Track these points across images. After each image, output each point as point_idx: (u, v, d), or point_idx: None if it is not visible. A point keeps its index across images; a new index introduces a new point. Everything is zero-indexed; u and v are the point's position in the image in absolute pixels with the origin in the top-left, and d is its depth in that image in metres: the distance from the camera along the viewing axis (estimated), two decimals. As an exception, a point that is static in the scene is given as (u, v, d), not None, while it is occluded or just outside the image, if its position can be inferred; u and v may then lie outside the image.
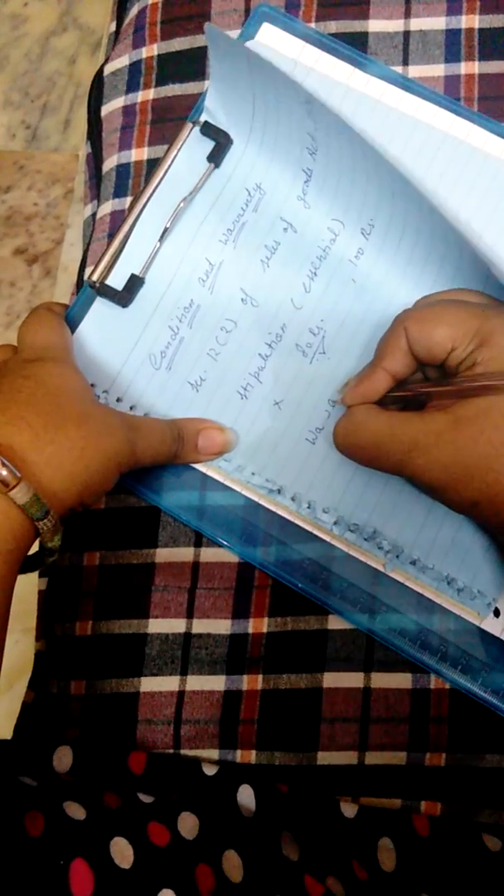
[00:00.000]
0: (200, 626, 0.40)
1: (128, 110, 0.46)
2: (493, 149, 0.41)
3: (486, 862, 0.36)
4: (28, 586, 0.41)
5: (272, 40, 0.43)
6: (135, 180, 0.45)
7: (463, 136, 0.42)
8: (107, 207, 0.46)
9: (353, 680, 0.39)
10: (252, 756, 0.39)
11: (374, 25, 0.44)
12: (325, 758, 0.38)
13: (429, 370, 0.37)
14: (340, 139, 0.38)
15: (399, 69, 0.43)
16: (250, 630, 0.40)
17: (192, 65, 0.45)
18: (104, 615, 0.41)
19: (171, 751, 0.39)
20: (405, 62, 0.43)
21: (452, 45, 0.43)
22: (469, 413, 0.33)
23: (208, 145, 0.42)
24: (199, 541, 0.41)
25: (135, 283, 0.41)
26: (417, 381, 0.37)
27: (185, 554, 0.41)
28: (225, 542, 0.40)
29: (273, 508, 0.40)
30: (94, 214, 0.48)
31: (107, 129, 0.47)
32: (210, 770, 0.38)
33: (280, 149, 0.41)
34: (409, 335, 0.35)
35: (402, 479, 0.39)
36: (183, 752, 0.39)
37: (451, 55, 0.43)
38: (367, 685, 0.39)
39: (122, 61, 0.47)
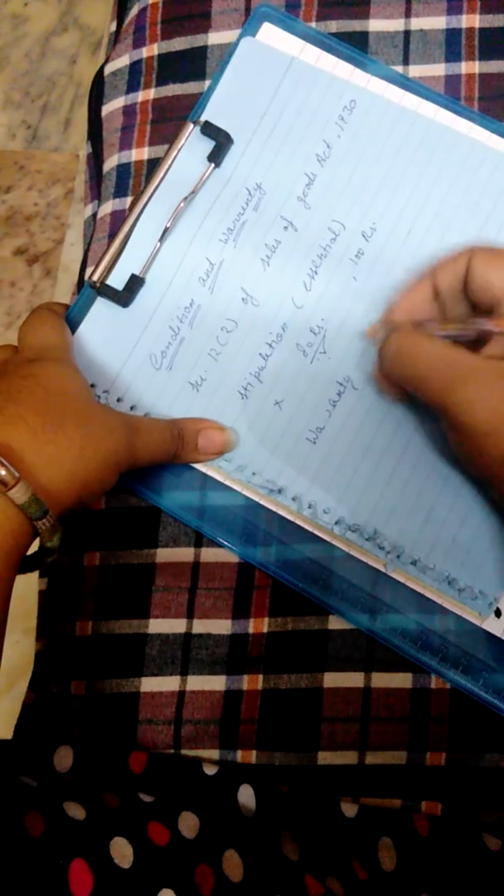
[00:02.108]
0: (201, 626, 0.40)
1: (128, 110, 0.46)
2: (493, 148, 0.41)
3: (487, 862, 0.36)
4: (28, 586, 0.41)
5: (272, 40, 0.43)
6: (135, 180, 0.45)
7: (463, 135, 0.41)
8: (107, 207, 0.46)
9: (354, 680, 0.39)
10: (252, 756, 0.39)
11: (375, 25, 0.44)
12: (325, 758, 0.38)
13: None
14: (372, 140, 0.37)
15: (399, 69, 0.43)
16: (250, 630, 0.40)
17: (192, 65, 0.45)
18: (104, 615, 0.41)
19: (172, 751, 0.39)
20: (405, 62, 0.43)
21: (453, 44, 0.43)
22: None
23: (208, 145, 0.42)
24: (199, 541, 0.41)
25: (135, 283, 0.41)
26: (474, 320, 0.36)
27: (185, 554, 0.41)
28: (225, 542, 0.40)
29: (273, 508, 0.40)
30: (94, 214, 0.48)
31: (107, 129, 0.47)
32: (210, 770, 0.38)
33: (285, 152, 0.41)
34: (472, 264, 0.33)
35: (403, 480, 0.39)
36: (183, 752, 0.39)
37: (452, 55, 0.43)
38: (368, 685, 0.39)
39: (122, 61, 0.47)
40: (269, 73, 0.42)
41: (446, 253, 0.35)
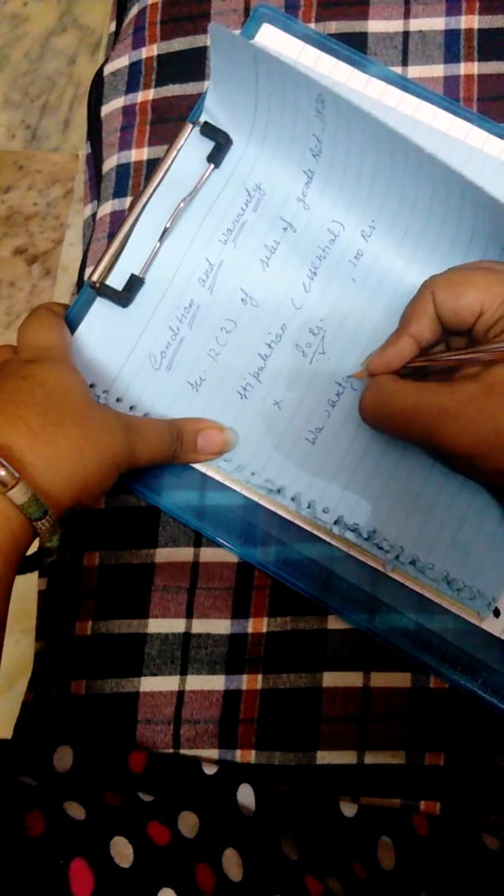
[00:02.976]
0: (200, 625, 0.40)
1: (128, 110, 0.46)
2: (493, 149, 0.41)
3: (486, 861, 0.36)
4: (28, 586, 0.41)
5: (272, 41, 0.43)
6: (135, 180, 0.45)
7: (462, 137, 0.42)
8: (107, 207, 0.46)
9: (353, 680, 0.39)
10: (252, 756, 0.39)
11: (374, 26, 0.44)
12: (324, 757, 0.38)
13: (453, 341, 0.37)
14: (350, 134, 0.37)
15: (398, 70, 0.43)
16: (250, 630, 0.40)
17: (192, 65, 0.45)
18: (104, 615, 0.41)
19: (171, 750, 0.39)
20: (404, 63, 0.43)
21: (452, 45, 0.43)
22: (499, 379, 0.32)
23: (208, 145, 0.42)
24: (198, 541, 0.41)
25: (135, 283, 0.41)
26: (440, 352, 0.36)
27: (184, 554, 0.41)
28: (225, 542, 0.40)
29: (273, 508, 0.40)
30: (94, 214, 0.48)
31: (107, 130, 0.47)
32: (210, 769, 0.38)
33: (281, 149, 0.41)
34: (436, 299, 0.34)
35: (402, 480, 0.39)
36: (183, 751, 0.39)
37: (451, 56, 0.43)
38: (367, 685, 0.39)
39: (122, 61, 0.47)
40: (245, 63, 0.41)
41: (409, 301, 0.36)
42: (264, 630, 0.40)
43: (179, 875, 0.31)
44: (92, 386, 0.41)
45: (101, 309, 0.42)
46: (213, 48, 0.39)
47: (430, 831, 0.37)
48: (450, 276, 0.35)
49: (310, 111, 0.38)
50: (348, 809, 0.37)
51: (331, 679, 0.39)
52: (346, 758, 0.38)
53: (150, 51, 0.46)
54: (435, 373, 0.36)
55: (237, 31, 0.44)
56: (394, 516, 0.39)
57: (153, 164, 0.44)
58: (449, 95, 0.43)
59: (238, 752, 0.39)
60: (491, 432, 0.32)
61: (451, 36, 0.43)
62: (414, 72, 0.43)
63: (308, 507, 0.39)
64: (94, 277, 0.41)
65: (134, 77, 0.46)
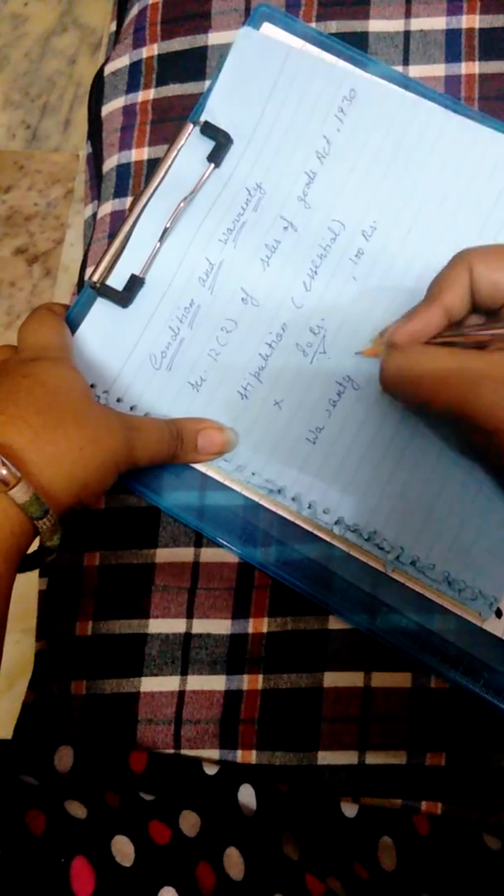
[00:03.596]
0: (200, 626, 0.40)
1: (128, 110, 0.46)
2: (493, 149, 0.41)
3: (487, 861, 0.36)
4: (28, 586, 0.41)
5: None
6: (135, 180, 0.45)
7: (463, 136, 0.41)
8: (107, 207, 0.46)
9: (354, 680, 0.39)
10: (252, 756, 0.39)
11: (375, 25, 0.44)
12: (325, 757, 0.38)
13: (470, 320, 0.35)
14: (370, 135, 0.37)
15: (399, 69, 0.43)
16: (250, 630, 0.40)
17: (192, 65, 0.45)
18: (104, 615, 0.41)
19: (172, 751, 0.39)
20: (405, 62, 0.43)
21: (453, 45, 0.43)
22: None
23: (208, 145, 0.42)
24: (199, 541, 0.41)
25: (135, 283, 0.41)
26: (470, 326, 0.35)
27: (185, 554, 0.41)
28: (225, 542, 0.40)
29: (273, 508, 0.40)
30: (94, 215, 0.48)
31: (107, 129, 0.47)
32: (211, 770, 0.38)
33: (285, 150, 0.41)
34: (474, 271, 0.33)
35: (403, 481, 0.39)
36: (183, 751, 0.39)
37: (452, 55, 0.43)
38: (368, 685, 0.39)
39: (122, 61, 0.47)
40: (268, 64, 0.41)
41: (441, 269, 0.34)
42: (265, 630, 0.40)
43: (180, 874, 0.31)
44: (92, 386, 0.41)
45: (101, 309, 0.42)
46: (236, 50, 0.39)
47: (432, 831, 0.37)
48: (490, 248, 0.33)
49: (330, 109, 0.38)
50: (349, 809, 0.37)
51: (331, 679, 0.39)
52: (346, 758, 0.38)
53: (151, 50, 0.46)
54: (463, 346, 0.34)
55: (237, 31, 0.44)
56: (395, 517, 0.39)
57: (153, 164, 0.44)
58: (450, 95, 0.43)
59: (239, 753, 0.39)
60: None
61: (453, 35, 0.43)
62: (415, 71, 0.43)
63: (309, 507, 0.39)
64: (95, 277, 0.41)
65: (134, 77, 0.46)
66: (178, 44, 0.46)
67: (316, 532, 0.39)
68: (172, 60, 0.46)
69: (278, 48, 0.41)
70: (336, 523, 0.39)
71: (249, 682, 0.39)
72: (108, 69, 0.48)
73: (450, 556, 0.38)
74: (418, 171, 0.41)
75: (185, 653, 0.40)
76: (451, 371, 0.32)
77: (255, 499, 0.40)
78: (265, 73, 0.41)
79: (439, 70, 0.43)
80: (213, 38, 0.45)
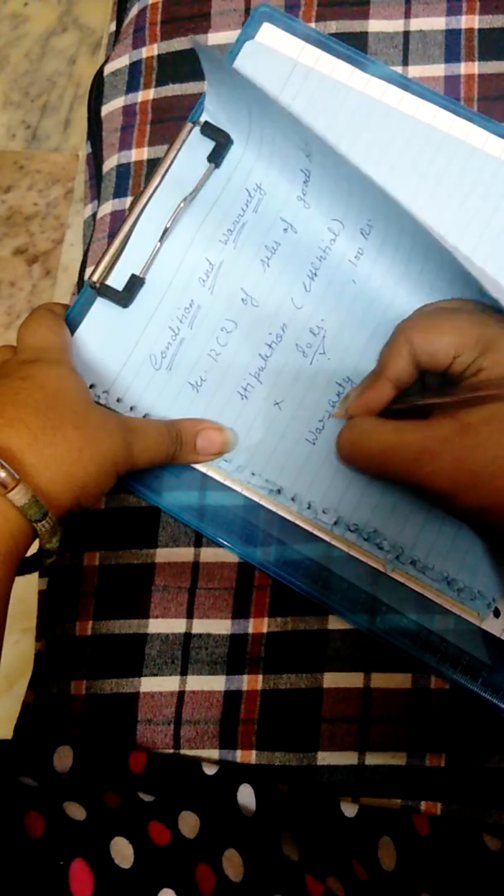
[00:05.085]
0: (200, 626, 0.40)
1: (128, 110, 0.46)
2: (493, 149, 0.41)
3: (487, 862, 0.36)
4: (28, 586, 0.41)
5: (272, 40, 0.43)
6: (135, 180, 0.45)
7: (462, 137, 0.42)
8: (107, 207, 0.46)
9: (354, 680, 0.39)
10: (252, 756, 0.39)
11: (374, 25, 0.44)
12: (325, 758, 0.38)
13: (428, 377, 0.37)
14: (334, 157, 0.38)
15: (399, 69, 0.43)
16: (250, 630, 0.40)
17: (192, 65, 0.45)
18: (104, 615, 0.41)
19: (172, 751, 0.39)
20: (405, 62, 0.43)
21: (452, 45, 0.43)
22: (475, 419, 0.33)
23: (208, 145, 0.42)
24: (199, 541, 0.41)
25: (135, 283, 0.41)
26: (417, 394, 0.37)
27: (185, 554, 0.41)
28: (225, 542, 0.40)
29: (273, 508, 0.40)
30: (94, 214, 0.48)
31: (107, 129, 0.47)
32: (210, 770, 0.38)
33: (278, 149, 0.41)
34: (413, 344, 0.35)
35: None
36: (183, 752, 0.39)
37: (451, 55, 0.43)
38: (368, 685, 0.39)
39: (122, 61, 0.47)
40: (272, 78, 0.42)
41: (385, 345, 0.37)
42: (265, 630, 0.40)
43: (180, 875, 0.31)
44: (92, 386, 0.41)
45: (101, 309, 0.42)
46: (241, 61, 0.39)
47: (431, 832, 0.37)
48: (425, 320, 0.36)
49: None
50: (349, 810, 0.37)
51: (331, 679, 0.39)
52: (346, 758, 0.38)
53: (151, 50, 0.46)
54: (412, 412, 0.37)
55: (237, 31, 0.44)
56: (394, 517, 0.39)
57: (153, 164, 0.44)
58: (449, 95, 0.43)
59: (238, 753, 0.39)
60: (466, 472, 0.33)
61: (452, 35, 0.43)
62: (414, 71, 0.43)
63: (308, 507, 0.39)
64: (95, 278, 0.41)
65: (134, 77, 0.46)
66: (178, 44, 0.46)
67: (316, 532, 0.39)
68: (172, 60, 0.46)
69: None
70: (336, 523, 0.39)
71: (249, 682, 0.39)
72: (107, 69, 0.48)
73: (449, 556, 0.39)
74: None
75: (184, 653, 0.40)
76: (394, 446, 0.35)
77: (255, 499, 0.40)
78: (269, 85, 0.41)
79: (439, 70, 0.43)
80: (213, 38, 0.45)
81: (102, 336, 0.41)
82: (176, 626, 0.40)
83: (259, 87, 0.35)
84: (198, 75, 0.45)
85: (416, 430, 0.34)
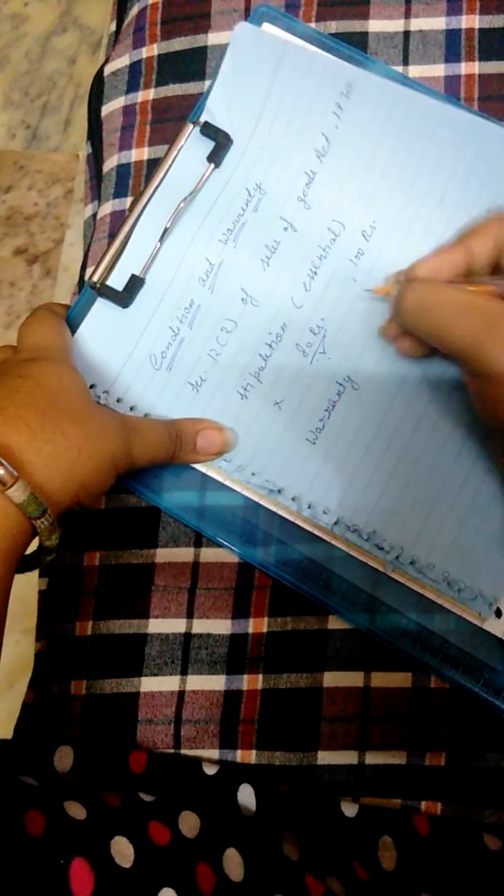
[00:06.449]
0: (200, 626, 0.40)
1: (128, 110, 0.46)
2: (493, 149, 0.41)
3: (487, 861, 0.36)
4: (28, 586, 0.41)
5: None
6: (135, 180, 0.45)
7: (463, 136, 0.41)
8: (107, 208, 0.46)
9: (354, 680, 0.39)
10: (252, 756, 0.39)
11: (374, 25, 0.44)
12: (325, 757, 0.38)
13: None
14: (370, 125, 0.37)
15: (399, 69, 0.43)
16: (250, 630, 0.40)
17: (192, 65, 0.45)
18: (104, 615, 0.41)
19: (172, 751, 0.39)
20: (405, 62, 0.43)
21: (452, 45, 0.43)
22: None
23: (208, 145, 0.42)
24: (199, 541, 0.41)
25: (135, 283, 0.41)
26: (486, 275, 0.35)
27: (185, 554, 0.41)
28: (225, 542, 0.40)
29: (273, 508, 0.40)
30: (94, 215, 0.48)
31: (107, 129, 0.47)
32: (210, 769, 0.38)
33: (284, 150, 0.41)
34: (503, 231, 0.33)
35: (403, 481, 0.39)
36: (183, 751, 0.39)
37: (451, 55, 0.43)
38: (368, 685, 0.39)
39: (122, 61, 0.47)
40: (266, 59, 0.41)
41: (475, 222, 0.35)
42: (265, 630, 0.40)
43: (180, 875, 0.31)
44: (92, 386, 0.41)
45: (101, 309, 0.42)
46: (233, 46, 0.39)
47: (431, 831, 0.37)
48: None
49: (328, 106, 0.38)
50: (349, 809, 0.37)
51: (331, 679, 0.39)
52: (346, 758, 0.38)
53: (151, 51, 0.46)
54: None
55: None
56: (394, 516, 0.39)
57: (153, 164, 0.44)
58: (450, 95, 0.43)
59: (239, 752, 0.39)
60: None
61: (452, 35, 0.43)
62: (415, 71, 0.43)
63: (308, 507, 0.39)
64: (95, 278, 0.41)
65: (134, 77, 0.46)
66: (178, 44, 0.46)
67: (316, 532, 0.39)
68: (172, 60, 0.46)
69: (275, 43, 0.41)
70: (336, 523, 0.39)
71: (249, 681, 0.39)
72: (108, 69, 0.48)
73: (449, 556, 0.38)
74: (417, 167, 0.41)
75: (184, 653, 0.40)
76: (472, 306, 0.32)
77: (255, 499, 0.40)
78: (263, 69, 0.41)
79: (439, 70, 0.43)
80: (213, 38, 0.45)
81: (103, 336, 0.41)
82: (176, 625, 0.40)
83: (308, 50, 0.35)
84: (198, 75, 0.45)
85: (491, 299, 0.32)
